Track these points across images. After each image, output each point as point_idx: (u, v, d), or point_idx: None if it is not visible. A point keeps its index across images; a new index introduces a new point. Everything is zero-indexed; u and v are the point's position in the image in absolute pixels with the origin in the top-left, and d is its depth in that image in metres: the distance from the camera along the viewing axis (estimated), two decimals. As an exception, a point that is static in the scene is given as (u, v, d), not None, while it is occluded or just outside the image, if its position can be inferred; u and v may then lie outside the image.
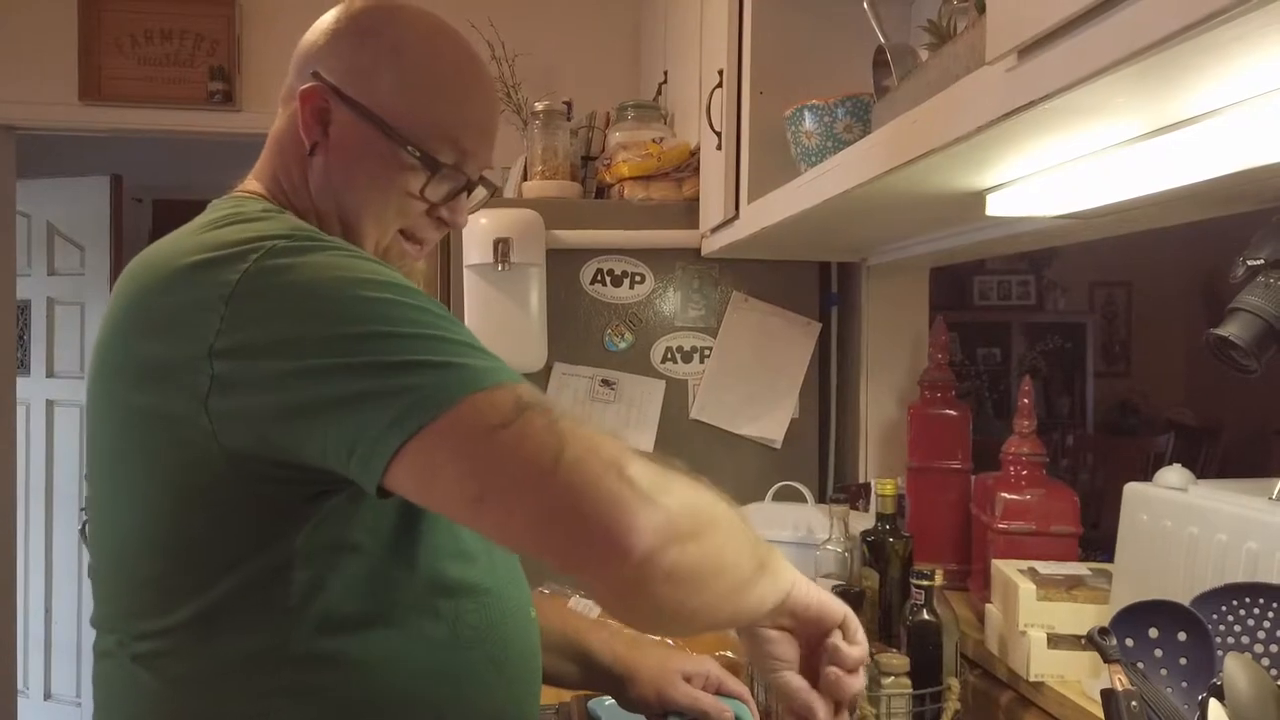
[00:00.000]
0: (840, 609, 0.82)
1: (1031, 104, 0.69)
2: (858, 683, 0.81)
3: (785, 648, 0.81)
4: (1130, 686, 0.70)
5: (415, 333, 0.68)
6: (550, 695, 1.37)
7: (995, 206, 1.10)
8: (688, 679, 1.08)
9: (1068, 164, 0.93)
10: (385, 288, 0.71)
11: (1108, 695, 0.71)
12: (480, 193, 0.96)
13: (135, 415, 0.76)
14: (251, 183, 0.93)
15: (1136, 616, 0.81)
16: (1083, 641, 1.15)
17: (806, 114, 1.33)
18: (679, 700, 1.06)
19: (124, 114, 2.77)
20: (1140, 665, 0.80)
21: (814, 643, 0.82)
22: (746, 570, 0.74)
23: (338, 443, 0.67)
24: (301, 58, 0.91)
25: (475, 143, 0.92)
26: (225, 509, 0.74)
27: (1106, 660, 0.72)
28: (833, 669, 0.79)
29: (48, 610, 3.68)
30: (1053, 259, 5.52)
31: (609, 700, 1.37)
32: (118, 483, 0.79)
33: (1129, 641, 0.81)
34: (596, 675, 1.07)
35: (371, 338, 0.68)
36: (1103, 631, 0.75)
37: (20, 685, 3.39)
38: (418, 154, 0.87)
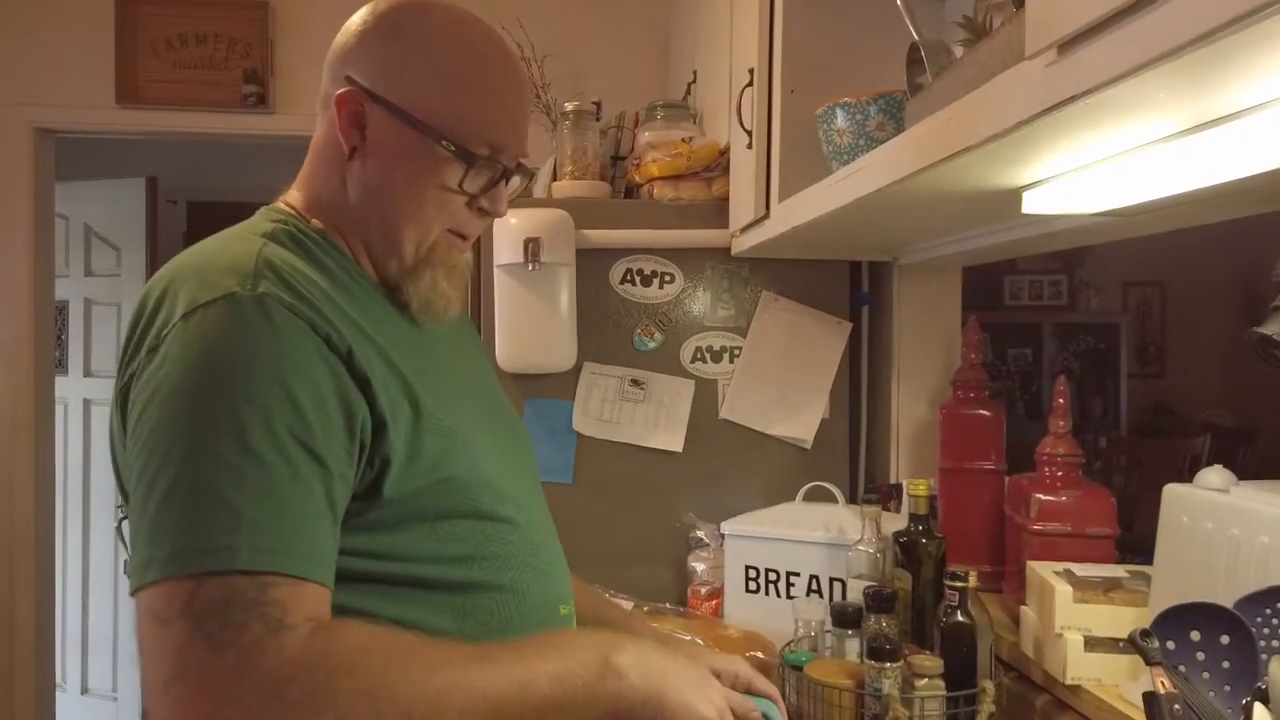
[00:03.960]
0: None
1: (1072, 99, 0.68)
2: None
3: None
4: (1173, 689, 0.69)
5: (183, 481, 0.70)
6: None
7: (1032, 204, 1.08)
8: (717, 677, 1.07)
9: (1106, 161, 0.92)
10: (204, 410, 0.72)
11: (1150, 698, 0.70)
12: (517, 181, 0.96)
13: None
14: (293, 193, 0.95)
15: (1178, 619, 0.79)
16: (1121, 645, 1.13)
17: (838, 112, 1.32)
18: None
19: (160, 117, 2.80)
20: (1182, 669, 0.79)
21: None
22: None
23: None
24: (333, 62, 0.92)
25: (508, 132, 0.92)
26: None
27: (1149, 662, 0.71)
28: None
29: (84, 607, 3.74)
30: (1085, 259, 5.45)
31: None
32: None
33: (1170, 644, 0.79)
34: None
35: (163, 470, 0.71)
36: (1144, 633, 0.73)
37: (58, 680, 3.45)
38: (452, 147, 0.88)
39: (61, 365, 3.68)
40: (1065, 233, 1.31)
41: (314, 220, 0.91)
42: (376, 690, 0.67)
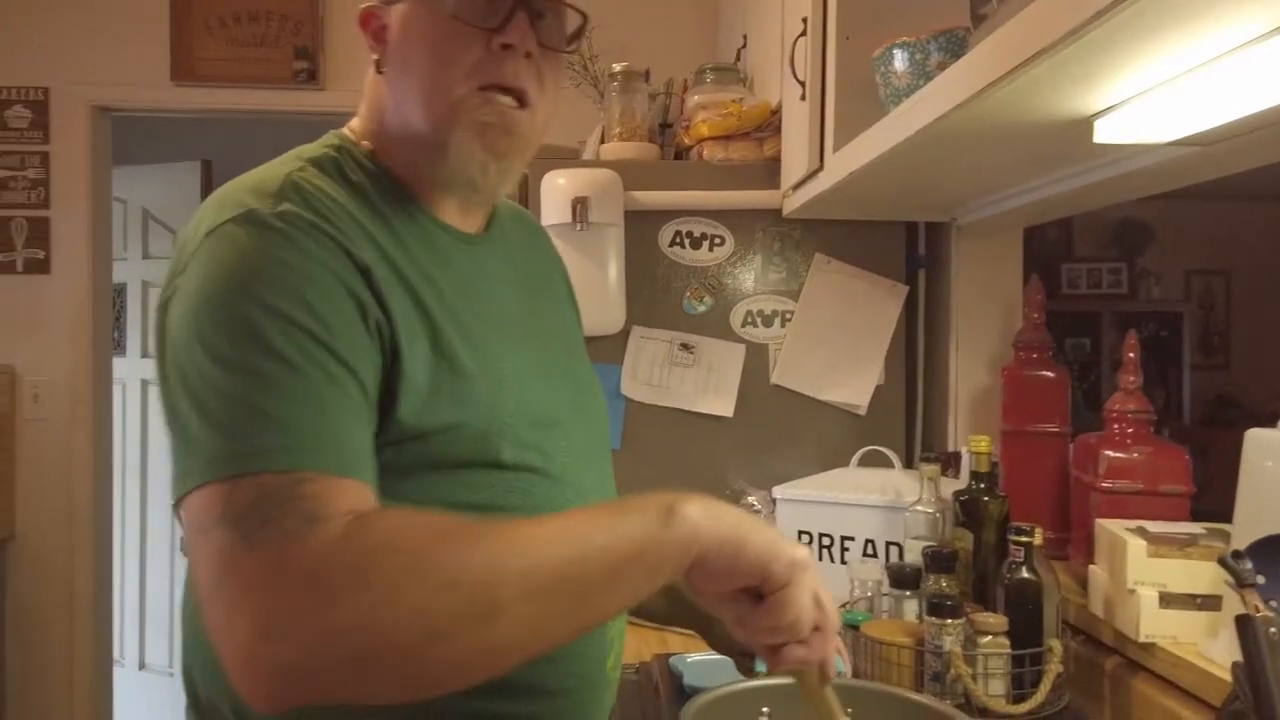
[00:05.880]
0: (759, 563, 0.71)
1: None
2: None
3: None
4: (1269, 613, 0.64)
5: (211, 391, 0.70)
6: (630, 655, 1.35)
7: (1104, 133, 1.03)
8: None
9: (1185, 75, 0.87)
10: (226, 322, 0.71)
11: (1245, 621, 0.64)
12: (566, 29, 0.90)
13: None
14: (354, 120, 0.93)
15: (1271, 550, 0.74)
16: (1198, 602, 1.07)
17: (897, 53, 1.27)
18: None
19: (213, 94, 2.84)
20: (1273, 603, 0.73)
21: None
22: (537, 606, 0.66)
23: None
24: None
25: None
26: None
27: (1241, 585, 0.66)
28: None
29: (142, 584, 3.80)
30: (1146, 246, 5.29)
31: (690, 657, 1.34)
32: None
33: (1260, 579, 0.74)
34: (684, 611, 1.03)
35: (191, 383, 0.71)
36: (1236, 554, 0.68)
37: (116, 655, 3.51)
38: None
39: (120, 346, 3.75)
40: (1138, 174, 1.24)
41: (364, 142, 0.89)
42: (421, 564, 0.65)
